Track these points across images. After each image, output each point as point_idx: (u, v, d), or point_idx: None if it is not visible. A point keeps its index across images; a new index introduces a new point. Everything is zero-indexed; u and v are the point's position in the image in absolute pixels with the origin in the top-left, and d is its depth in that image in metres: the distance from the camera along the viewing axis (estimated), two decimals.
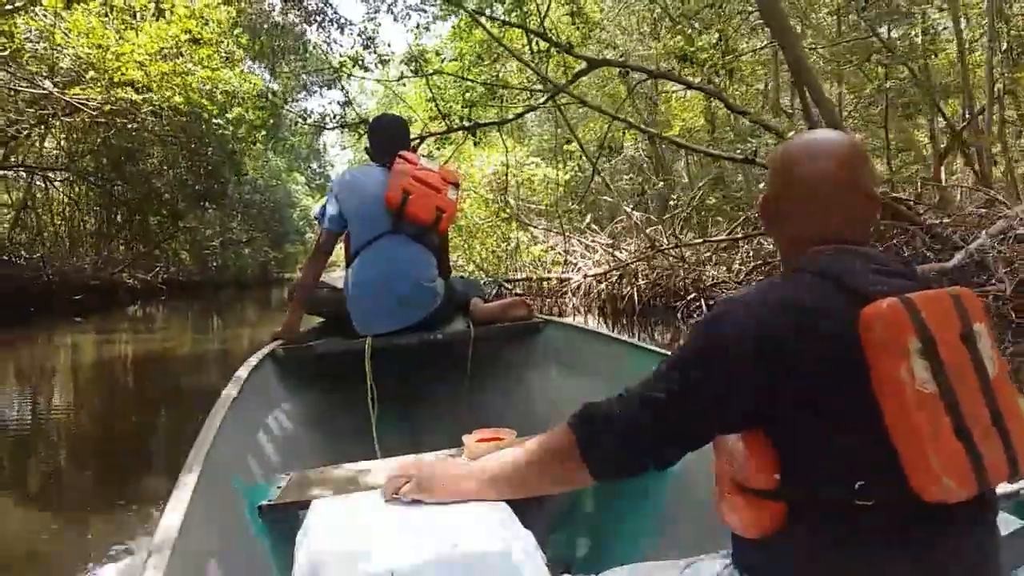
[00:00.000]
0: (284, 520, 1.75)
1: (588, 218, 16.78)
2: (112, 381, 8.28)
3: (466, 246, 16.37)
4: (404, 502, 1.25)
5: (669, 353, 1.13)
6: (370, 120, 3.48)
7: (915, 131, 16.44)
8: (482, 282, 3.48)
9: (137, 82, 13.42)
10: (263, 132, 14.72)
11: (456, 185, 3.08)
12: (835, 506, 0.97)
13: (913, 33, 13.93)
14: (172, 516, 1.34)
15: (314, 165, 47.66)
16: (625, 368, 2.51)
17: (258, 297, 27.26)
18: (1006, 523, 1.14)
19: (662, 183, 17.94)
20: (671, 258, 11.96)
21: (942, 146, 14.27)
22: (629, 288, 12.08)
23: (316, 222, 3.18)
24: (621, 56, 15.43)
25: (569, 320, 3.35)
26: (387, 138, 3.14)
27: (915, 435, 0.92)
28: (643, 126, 14.39)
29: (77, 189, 23.54)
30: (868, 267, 1.06)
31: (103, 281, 20.36)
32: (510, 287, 14.29)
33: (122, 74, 12.98)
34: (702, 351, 1.06)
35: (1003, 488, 1.16)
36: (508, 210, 15.68)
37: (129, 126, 17.15)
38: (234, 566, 1.56)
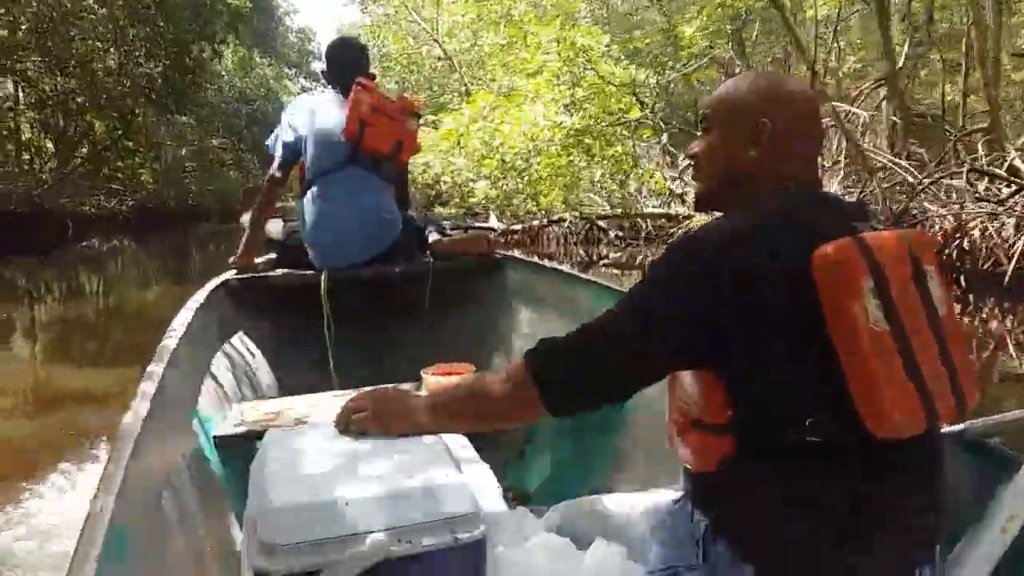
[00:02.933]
0: (240, 450, 1.74)
1: (664, 137, 13.77)
2: (52, 334, 7.70)
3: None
4: (358, 433, 1.24)
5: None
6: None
7: None
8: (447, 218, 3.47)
9: None
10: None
11: (417, 115, 3.00)
12: (785, 442, 0.99)
13: None
14: (124, 445, 1.31)
15: (304, 79, 44.13)
16: (584, 306, 2.52)
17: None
18: (952, 461, 1.18)
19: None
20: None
21: None
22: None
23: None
24: None
25: (529, 257, 3.33)
26: (344, 63, 3.03)
27: (867, 372, 0.94)
28: None
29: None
30: (824, 208, 1.07)
31: (41, 209, 16.38)
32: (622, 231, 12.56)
33: None
34: (658, 287, 1.06)
35: (950, 428, 1.19)
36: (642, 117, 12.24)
37: None
38: (189, 494, 1.55)
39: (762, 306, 0.99)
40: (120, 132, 19.39)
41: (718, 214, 1.17)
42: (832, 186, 10.05)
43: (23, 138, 19.24)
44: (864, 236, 0.99)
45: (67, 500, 3.06)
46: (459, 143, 10.73)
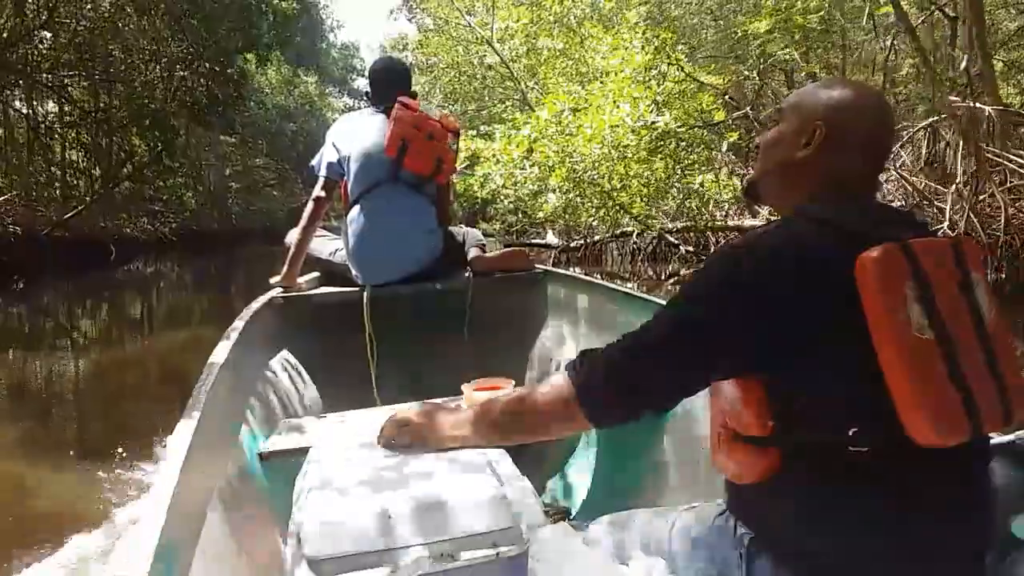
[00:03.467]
0: (284, 466, 1.77)
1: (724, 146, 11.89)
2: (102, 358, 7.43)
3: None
4: (401, 448, 1.26)
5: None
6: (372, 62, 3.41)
7: None
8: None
9: None
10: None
11: (456, 134, 3.04)
12: (829, 452, 0.98)
13: None
14: (172, 462, 1.34)
15: (347, 96, 43.15)
16: (624, 318, 2.52)
17: None
18: (1000, 471, 1.15)
19: None
20: None
21: None
22: None
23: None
24: None
25: (568, 272, 3.34)
26: (386, 82, 3.08)
27: (910, 381, 0.93)
28: None
29: (40, 105, 17.54)
30: (869, 214, 1.06)
31: (82, 233, 15.48)
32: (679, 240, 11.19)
33: None
34: (699, 297, 1.05)
35: (998, 437, 1.16)
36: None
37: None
38: (234, 511, 1.58)
39: (804, 314, 0.98)
40: (161, 149, 18.31)
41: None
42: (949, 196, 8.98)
43: (65, 159, 18.71)
44: (910, 242, 0.98)
45: (122, 515, 3.14)
46: (531, 151, 9.42)
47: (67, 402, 5.55)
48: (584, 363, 1.11)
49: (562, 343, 2.94)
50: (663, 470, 2.13)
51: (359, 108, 3.23)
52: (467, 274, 3.11)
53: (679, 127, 9.89)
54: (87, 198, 17.73)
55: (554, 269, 3.31)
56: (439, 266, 3.04)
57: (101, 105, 17.99)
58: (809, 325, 0.98)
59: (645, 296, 2.56)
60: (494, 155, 9.76)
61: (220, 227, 24.35)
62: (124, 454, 3.87)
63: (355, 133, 2.98)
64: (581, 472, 2.42)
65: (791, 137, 1.16)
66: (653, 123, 9.01)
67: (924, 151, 10.98)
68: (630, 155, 9.81)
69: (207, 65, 17.43)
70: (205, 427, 1.57)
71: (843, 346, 0.97)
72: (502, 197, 10.77)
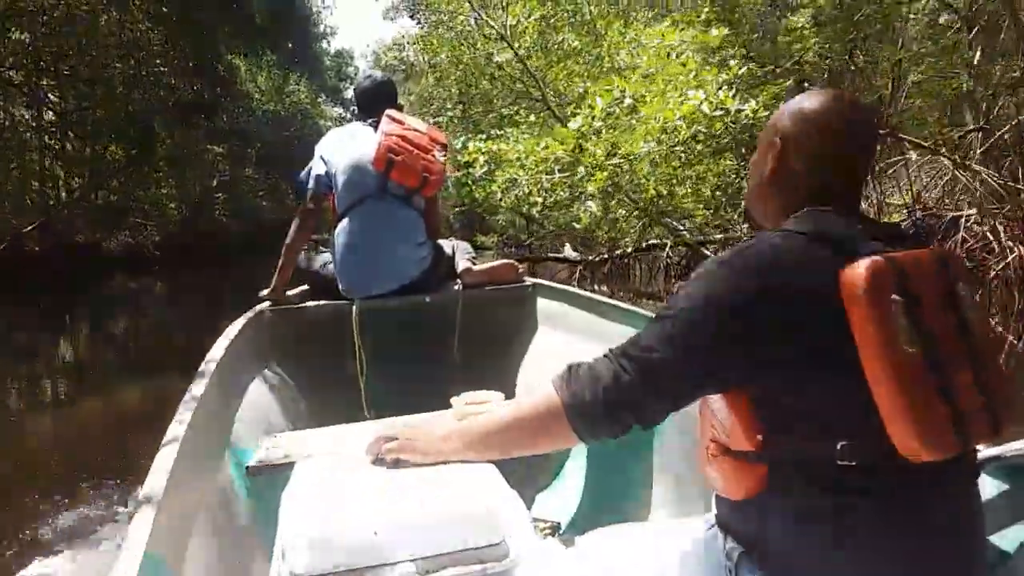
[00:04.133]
0: (271, 480, 1.75)
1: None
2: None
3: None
4: (389, 462, 1.25)
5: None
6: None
7: None
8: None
9: None
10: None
11: (444, 146, 3.04)
12: (817, 467, 0.98)
13: None
14: (158, 475, 1.33)
15: (340, 107, 41.68)
16: (615, 332, 2.52)
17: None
18: (988, 485, 1.15)
19: None
20: None
21: None
22: None
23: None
24: None
25: (559, 285, 3.33)
26: (373, 96, 3.10)
27: (897, 394, 0.92)
28: None
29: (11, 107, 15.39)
30: (854, 227, 1.06)
31: (56, 246, 13.87)
32: None
33: None
34: (686, 310, 1.05)
35: (986, 451, 1.16)
36: None
37: None
38: (220, 525, 1.56)
39: (790, 328, 0.98)
40: (139, 152, 16.74)
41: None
42: None
43: (37, 166, 16.59)
44: (895, 255, 0.98)
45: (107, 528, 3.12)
46: (578, 150, 7.54)
47: (44, 430, 5.42)
48: (572, 377, 1.10)
49: (552, 356, 2.93)
50: (652, 484, 2.13)
51: (350, 119, 3.24)
52: (457, 287, 3.10)
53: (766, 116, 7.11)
54: (60, 208, 16.47)
55: (544, 282, 3.30)
56: (428, 279, 3.03)
57: (74, 104, 16.20)
58: (796, 339, 0.98)
59: (635, 309, 2.56)
60: (518, 158, 8.31)
61: (206, 239, 22.27)
62: (109, 471, 3.84)
63: (343, 146, 2.98)
64: (570, 486, 2.41)
65: (761, 155, 1.19)
66: (738, 110, 6.77)
67: None
68: (694, 152, 7.80)
69: (190, 62, 15.98)
70: (192, 441, 1.56)
71: (830, 360, 0.97)
72: (528, 206, 9.06)
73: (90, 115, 16.48)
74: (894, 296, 0.94)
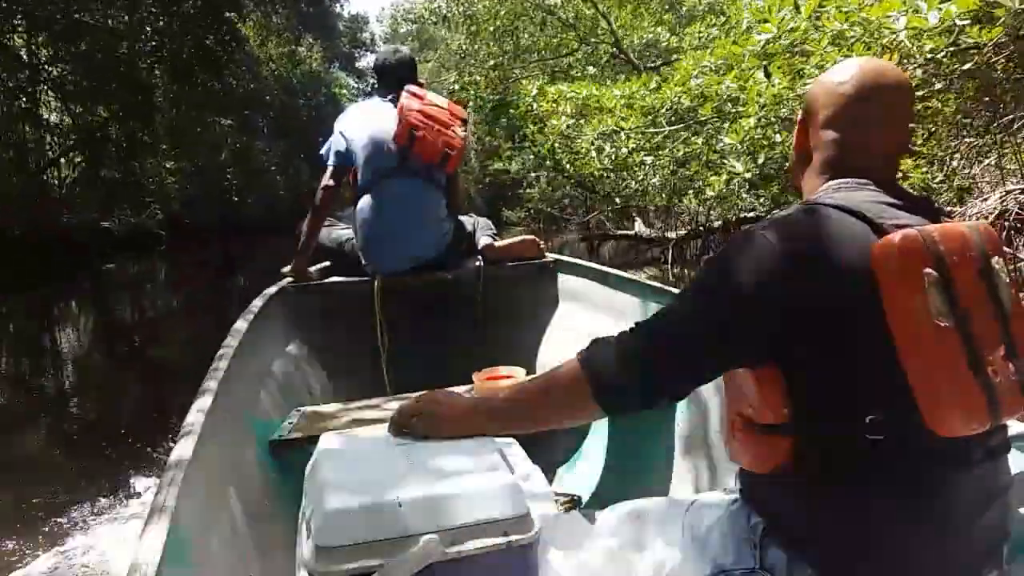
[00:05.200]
0: (295, 455, 1.77)
1: None
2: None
3: None
4: (412, 437, 1.25)
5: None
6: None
7: None
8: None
9: None
10: None
11: (464, 122, 3.02)
12: (845, 440, 0.97)
13: None
14: (183, 450, 1.35)
15: (355, 78, 38.52)
16: (637, 307, 2.51)
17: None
18: (1018, 461, 1.13)
19: None
20: None
21: None
22: None
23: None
24: None
25: (581, 261, 3.32)
26: (394, 71, 3.08)
27: (929, 368, 0.91)
28: None
29: None
30: (887, 200, 1.04)
31: (50, 229, 12.31)
32: None
33: None
34: (715, 284, 1.04)
35: (1016, 427, 1.15)
36: None
37: None
38: (245, 499, 1.58)
39: (821, 300, 0.97)
40: (131, 115, 13.82)
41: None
42: None
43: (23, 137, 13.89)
44: (929, 228, 0.96)
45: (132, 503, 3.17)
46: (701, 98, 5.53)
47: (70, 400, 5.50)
48: (597, 351, 1.10)
49: (574, 332, 2.93)
50: (675, 459, 2.13)
51: (368, 89, 3.22)
52: (478, 263, 3.10)
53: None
54: (54, 186, 14.39)
55: (566, 257, 3.29)
56: (450, 255, 3.03)
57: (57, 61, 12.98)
58: (826, 313, 0.96)
59: (658, 285, 2.55)
60: (617, 105, 6.22)
61: (216, 218, 20.88)
62: (136, 445, 3.90)
63: (364, 122, 2.97)
64: (592, 461, 2.41)
65: (798, 128, 1.19)
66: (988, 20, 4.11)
67: None
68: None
69: (190, 8, 12.90)
70: (216, 416, 1.57)
71: (861, 332, 0.96)
72: (634, 168, 6.96)
73: (73, 71, 13.28)
74: (927, 270, 0.93)
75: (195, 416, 1.51)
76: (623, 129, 6.23)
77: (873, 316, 0.94)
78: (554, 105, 6.68)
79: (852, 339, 0.96)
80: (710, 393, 1.12)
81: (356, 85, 37.79)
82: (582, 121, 6.64)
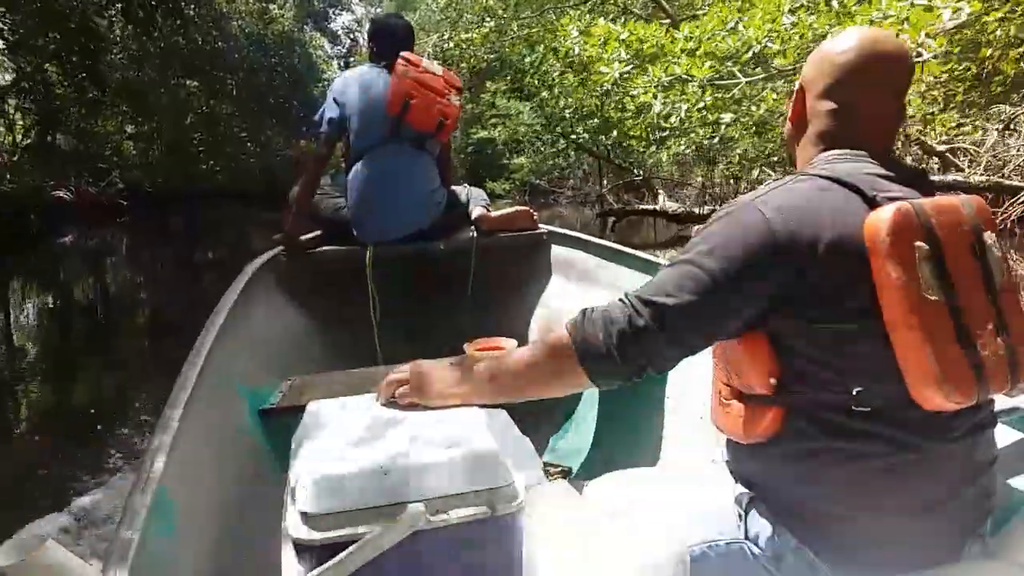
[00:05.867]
0: (284, 423, 1.77)
1: None
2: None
3: None
4: (400, 405, 1.25)
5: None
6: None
7: None
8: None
9: None
10: None
11: (459, 90, 2.99)
12: (832, 412, 0.97)
13: None
14: (172, 415, 1.35)
15: (329, 41, 33.31)
16: (629, 278, 2.50)
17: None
18: (1004, 435, 1.14)
19: None
20: None
21: None
22: None
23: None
24: None
25: (573, 232, 3.31)
26: (389, 39, 3.04)
27: (916, 342, 0.91)
28: None
29: None
30: (882, 172, 1.03)
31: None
32: None
33: None
34: (702, 255, 1.03)
35: (1004, 402, 1.15)
36: None
37: None
38: (233, 465, 1.58)
39: (809, 273, 0.96)
40: (77, 67, 11.77)
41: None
42: None
43: None
44: (921, 202, 0.96)
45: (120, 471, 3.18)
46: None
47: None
48: (585, 321, 1.09)
49: (566, 303, 2.93)
50: (663, 429, 2.13)
51: (341, 51, 3.16)
52: (471, 233, 3.09)
53: None
54: None
55: (559, 229, 3.28)
56: (443, 225, 3.01)
57: None
58: (815, 284, 0.96)
59: (650, 257, 2.54)
60: (680, 50, 5.16)
61: (181, 185, 19.32)
62: (124, 413, 3.89)
63: (357, 89, 2.93)
64: (581, 431, 2.42)
65: (794, 99, 1.18)
66: None
67: None
68: None
69: None
70: (206, 383, 1.57)
71: (850, 305, 0.95)
72: (690, 127, 5.69)
73: (13, 14, 11.28)
74: (918, 243, 0.92)
75: (183, 384, 1.51)
76: (695, 78, 5.00)
77: (863, 289, 0.93)
78: (601, 50, 5.47)
79: (840, 311, 0.96)
80: (701, 364, 1.11)
81: (331, 46, 33.82)
82: (635, 71, 5.45)
